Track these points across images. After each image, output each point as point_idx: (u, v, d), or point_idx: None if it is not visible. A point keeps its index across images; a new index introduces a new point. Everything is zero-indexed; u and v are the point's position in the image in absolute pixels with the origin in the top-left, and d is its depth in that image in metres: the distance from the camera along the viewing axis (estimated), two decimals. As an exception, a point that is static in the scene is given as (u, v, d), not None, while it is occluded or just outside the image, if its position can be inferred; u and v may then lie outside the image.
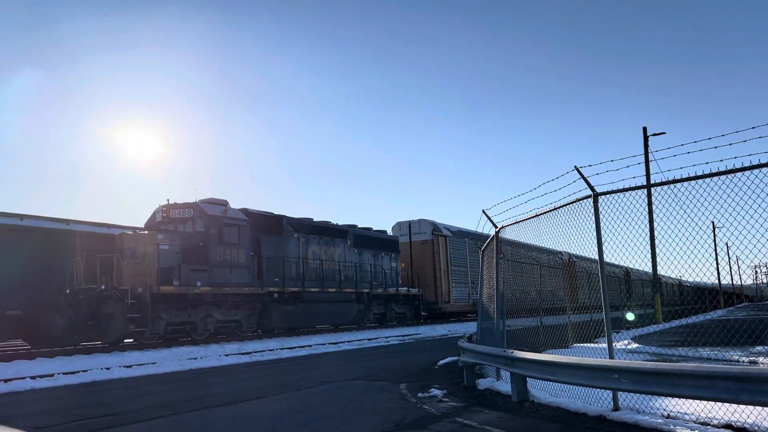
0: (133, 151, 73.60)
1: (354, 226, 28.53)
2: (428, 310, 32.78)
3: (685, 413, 6.18)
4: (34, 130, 79.34)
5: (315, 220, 25.97)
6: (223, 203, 21.03)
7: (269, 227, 22.85)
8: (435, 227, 33.63)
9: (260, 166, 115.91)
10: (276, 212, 24.03)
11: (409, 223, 33.90)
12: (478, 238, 36.32)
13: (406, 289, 30.99)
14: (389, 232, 33.52)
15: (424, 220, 33.87)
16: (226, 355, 15.44)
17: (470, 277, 35.74)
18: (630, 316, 24.00)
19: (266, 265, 21.91)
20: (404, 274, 31.92)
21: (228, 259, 20.22)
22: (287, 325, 23.22)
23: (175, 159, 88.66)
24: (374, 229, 30.50)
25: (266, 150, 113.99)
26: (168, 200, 20.42)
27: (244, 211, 21.68)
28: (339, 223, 27.69)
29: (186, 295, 18.66)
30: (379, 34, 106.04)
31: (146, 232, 19.37)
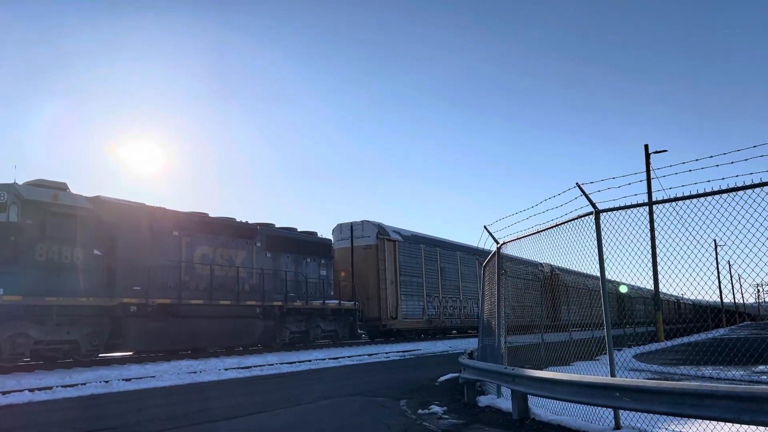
0: (130, 156, 73.63)
1: (269, 225, 23.82)
2: (370, 327, 28.59)
3: (687, 432, 6.14)
4: (33, 137, 79.76)
5: (211, 215, 21.35)
6: (60, 187, 16.21)
7: (134, 222, 17.89)
8: (381, 230, 29.35)
9: (252, 168, 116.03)
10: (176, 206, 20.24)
11: (351, 225, 29.24)
12: (436, 244, 33.72)
13: (336, 302, 25.61)
14: (330, 235, 29.55)
15: (368, 221, 29.44)
16: (226, 369, 15.37)
17: (426, 289, 31.79)
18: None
19: (122, 269, 17.07)
20: (344, 285, 27.18)
21: (54, 258, 15.30)
22: (153, 347, 18.47)
23: (166, 160, 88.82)
24: (299, 230, 25.72)
25: (260, 152, 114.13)
26: None
27: (95, 199, 17.11)
28: (249, 221, 23.04)
29: None
30: (379, 35, 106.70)
31: None
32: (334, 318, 25.64)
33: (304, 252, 24.88)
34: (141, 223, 18.18)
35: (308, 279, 24.36)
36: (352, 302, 26.45)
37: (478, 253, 36.28)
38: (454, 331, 36.09)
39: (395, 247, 29.83)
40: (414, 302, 30.64)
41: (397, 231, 30.81)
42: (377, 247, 28.76)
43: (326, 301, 24.88)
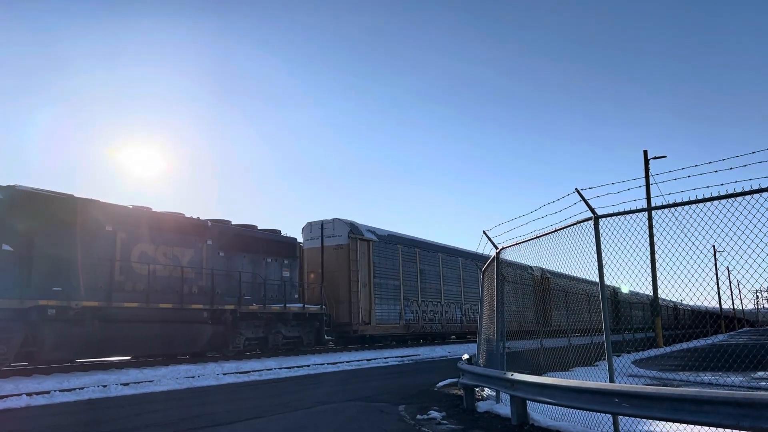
0: (128, 159, 73.68)
1: (225, 222, 21.92)
2: (340, 333, 26.61)
3: (687, 439, 6.12)
4: (33, 146, 79.73)
5: (154, 209, 19.31)
6: None
7: (57, 215, 16.00)
8: (353, 229, 27.61)
9: (249, 171, 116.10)
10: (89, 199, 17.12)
11: (321, 224, 27.27)
12: (415, 245, 32.04)
13: (300, 305, 23.69)
14: (299, 234, 28.04)
15: (339, 219, 27.66)
16: (224, 374, 15.34)
17: (404, 292, 30.02)
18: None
19: (40, 267, 15.24)
20: (313, 288, 25.61)
21: None
22: (78, 355, 16.38)
23: (165, 162, 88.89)
24: (261, 227, 23.81)
25: (257, 155, 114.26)
26: None
27: (9, 189, 15.39)
28: (200, 217, 20.91)
29: None
30: (378, 39, 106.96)
31: None
32: (298, 323, 23.72)
33: (265, 252, 23.02)
34: (66, 216, 16.21)
35: (268, 281, 22.47)
36: (319, 306, 24.65)
37: (465, 255, 35.81)
38: (453, 336, 35.93)
39: (369, 247, 28.16)
40: (390, 306, 28.96)
41: (372, 230, 29.18)
42: (349, 247, 27.04)
43: (287, 305, 22.96)
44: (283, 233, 24.72)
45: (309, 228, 28.13)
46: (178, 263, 19.19)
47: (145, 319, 17.62)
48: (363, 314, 26.95)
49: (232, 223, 22.51)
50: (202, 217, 20.97)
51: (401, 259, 30.40)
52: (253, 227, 23.43)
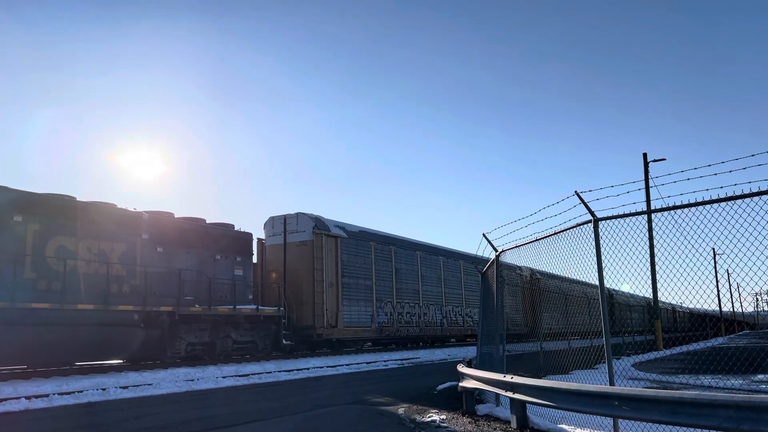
0: (127, 161, 73.58)
1: (166, 214, 19.85)
2: (302, 337, 24.33)
3: (687, 442, 6.11)
4: (32, 149, 79.75)
5: (79, 199, 17.13)
6: None
7: None
8: (318, 224, 25.25)
9: (248, 172, 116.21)
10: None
11: (284, 218, 24.84)
12: (390, 242, 30.20)
13: (253, 306, 21.48)
14: (261, 230, 26.03)
15: (304, 213, 25.38)
16: (224, 377, 15.32)
17: (376, 293, 27.72)
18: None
19: None
20: (275, 289, 23.60)
21: None
22: None
23: (164, 165, 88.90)
24: (210, 221, 21.70)
25: (256, 156, 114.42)
26: None
27: None
28: (137, 208, 18.70)
29: None
30: (378, 44, 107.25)
31: None
32: (251, 326, 21.36)
33: (214, 248, 20.81)
34: None
35: (216, 280, 20.24)
36: (276, 308, 22.41)
37: (447, 254, 35.29)
38: (453, 339, 35.78)
39: (337, 243, 25.87)
40: (360, 308, 26.64)
41: (341, 226, 27.00)
42: (313, 244, 24.76)
43: (238, 306, 20.67)
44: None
45: (271, 223, 25.83)
46: (105, 259, 17.00)
47: (60, 322, 15.42)
48: (329, 316, 24.81)
49: (176, 215, 20.32)
50: (138, 209, 18.87)
51: (374, 257, 28.16)
52: (200, 221, 21.26)
